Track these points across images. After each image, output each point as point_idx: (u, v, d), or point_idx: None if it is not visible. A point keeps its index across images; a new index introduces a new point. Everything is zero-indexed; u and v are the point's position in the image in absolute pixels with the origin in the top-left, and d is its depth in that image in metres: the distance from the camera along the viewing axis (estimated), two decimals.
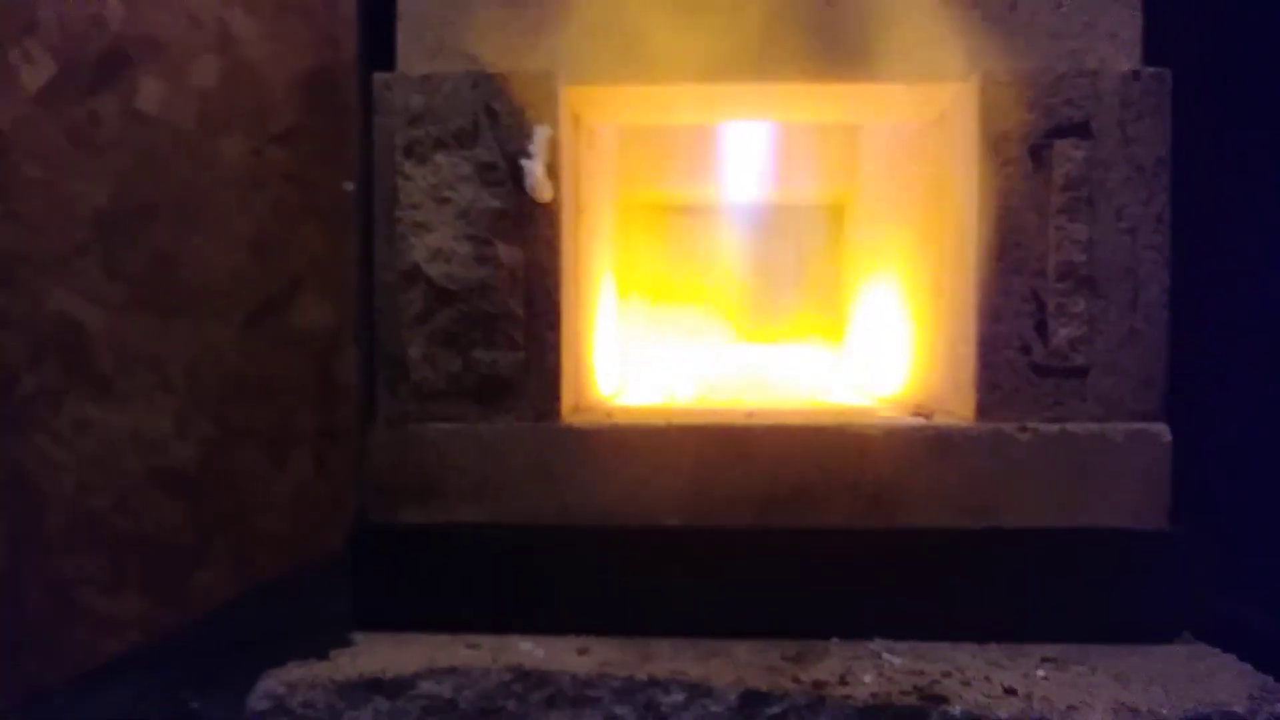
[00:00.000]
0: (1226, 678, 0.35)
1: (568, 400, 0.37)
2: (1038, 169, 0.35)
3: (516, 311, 0.35)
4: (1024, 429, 0.38)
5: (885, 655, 0.36)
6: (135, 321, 1.07)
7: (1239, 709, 0.33)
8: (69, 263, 1.06)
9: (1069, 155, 0.33)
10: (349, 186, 1.07)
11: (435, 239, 0.34)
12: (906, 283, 0.48)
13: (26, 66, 1.08)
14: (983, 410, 0.39)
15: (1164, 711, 0.33)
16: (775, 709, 0.31)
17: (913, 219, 0.49)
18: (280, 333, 1.07)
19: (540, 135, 0.35)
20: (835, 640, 0.38)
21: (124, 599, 1.08)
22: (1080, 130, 0.36)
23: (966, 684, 0.34)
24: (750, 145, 0.80)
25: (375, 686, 0.35)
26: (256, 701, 0.34)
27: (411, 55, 0.36)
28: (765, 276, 0.61)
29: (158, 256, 1.06)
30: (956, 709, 0.33)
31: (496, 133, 0.35)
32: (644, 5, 0.36)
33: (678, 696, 0.33)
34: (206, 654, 0.53)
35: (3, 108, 1.08)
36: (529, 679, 0.35)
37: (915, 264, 0.46)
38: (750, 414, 0.38)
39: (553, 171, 0.35)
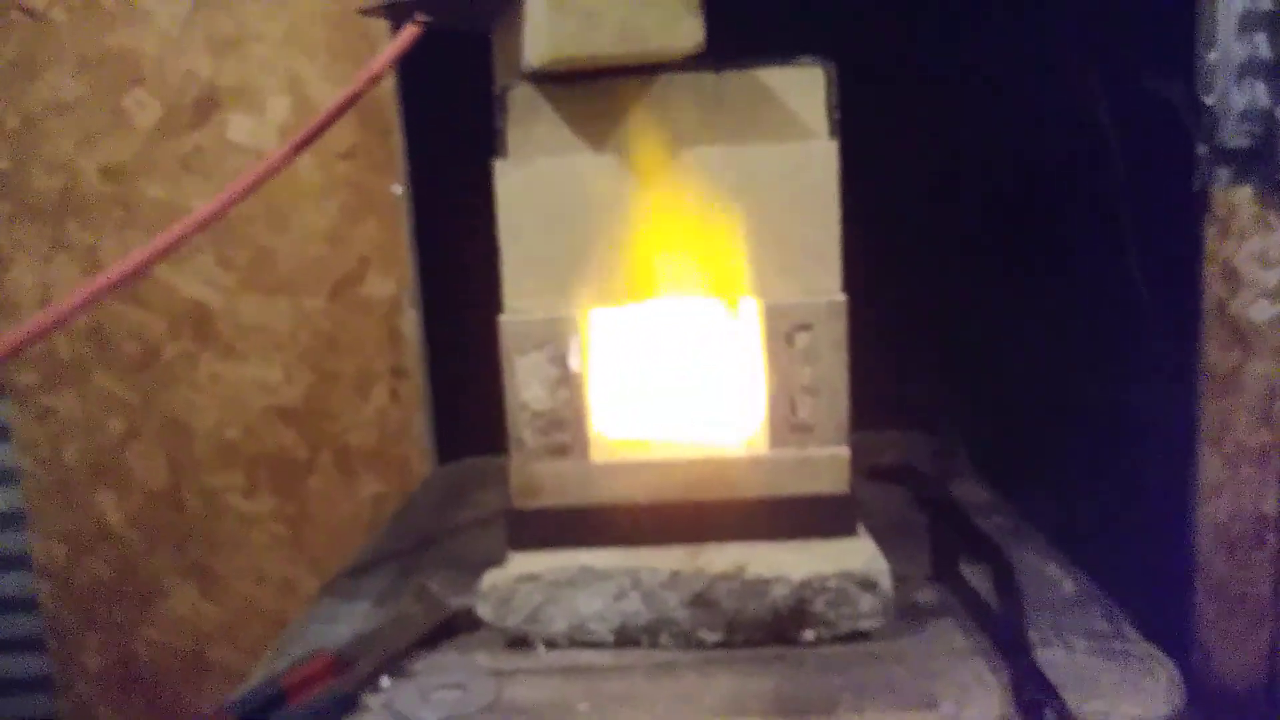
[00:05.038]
0: (861, 552, 0.69)
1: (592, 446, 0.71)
2: (789, 344, 0.66)
3: (569, 418, 0.70)
4: (787, 453, 0.70)
5: (729, 551, 0.68)
6: (246, 300, 1.37)
7: (855, 568, 0.66)
8: (191, 259, 1.36)
9: (803, 339, 0.66)
10: (397, 189, 1.35)
11: (532, 390, 0.66)
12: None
13: (138, 110, 1.36)
14: (772, 445, 0.70)
15: (826, 571, 0.66)
16: (683, 577, 0.66)
17: None
18: (356, 301, 1.37)
19: (573, 344, 0.66)
20: (711, 543, 0.70)
21: (258, 499, 1.42)
22: (807, 327, 0.67)
23: (755, 562, 0.67)
24: None
25: (527, 577, 0.68)
26: (484, 587, 0.69)
27: (513, 300, 0.67)
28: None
29: (258, 251, 1.36)
30: (748, 574, 0.66)
31: (554, 341, 0.68)
32: (609, 277, 0.70)
33: (646, 574, 0.66)
34: (403, 564, 0.88)
35: (124, 143, 1.36)
36: (587, 570, 0.67)
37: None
38: (674, 444, 0.76)
39: (579, 355, 0.70)
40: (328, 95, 1.34)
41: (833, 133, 0.72)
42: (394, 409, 1.40)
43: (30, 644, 1.55)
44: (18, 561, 1.51)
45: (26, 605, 1.52)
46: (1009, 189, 1.26)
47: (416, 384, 1.38)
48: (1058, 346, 1.26)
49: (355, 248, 1.37)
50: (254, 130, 1.36)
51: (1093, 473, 1.27)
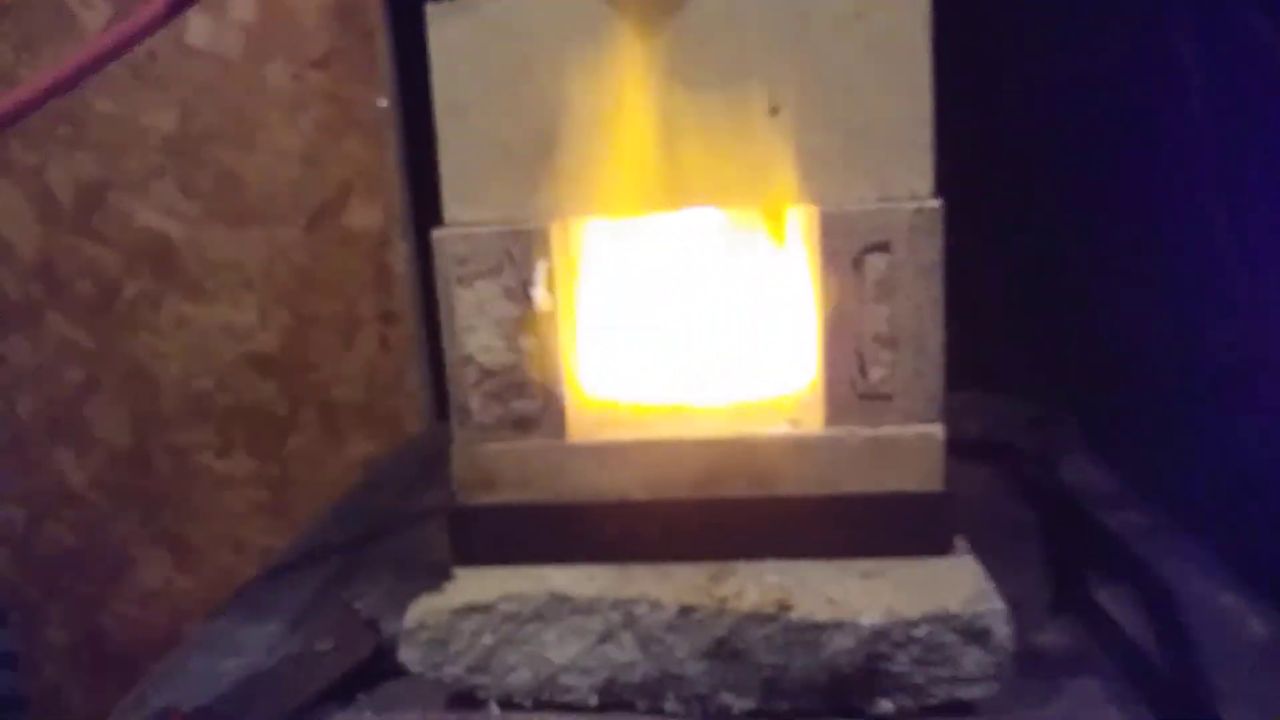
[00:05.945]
0: (962, 583, 0.52)
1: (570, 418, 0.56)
2: (856, 271, 0.51)
3: (535, 378, 0.52)
4: (852, 434, 0.55)
5: (767, 576, 0.54)
6: (212, 231, 1.21)
7: (954, 608, 0.50)
8: (148, 184, 1.20)
9: (876, 264, 0.48)
10: (382, 102, 1.18)
11: (480, 338, 0.50)
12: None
13: (85, 11, 1.19)
14: (828, 422, 0.55)
15: (910, 613, 0.50)
16: (698, 616, 0.51)
17: None
18: (338, 233, 1.20)
19: (540, 269, 0.51)
20: (740, 562, 0.56)
21: (234, 460, 1.27)
22: (884, 247, 0.51)
23: (805, 596, 0.51)
24: None
25: (473, 609, 0.54)
26: (409, 623, 0.54)
27: (454, 206, 0.51)
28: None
29: (223, 174, 1.20)
30: (794, 616, 0.50)
31: (514, 267, 0.50)
32: (591, 175, 0.53)
33: (644, 608, 0.52)
34: (340, 566, 0.73)
35: (69, 49, 1.22)
36: (560, 599, 0.53)
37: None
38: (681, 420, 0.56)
39: (550, 286, 0.51)
40: None
41: None
42: (383, 358, 1.24)
43: None
44: None
45: None
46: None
47: (409, 330, 1.22)
48: (1194, 287, 1.00)
49: (335, 171, 1.20)
50: (215, 33, 1.18)
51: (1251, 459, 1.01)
